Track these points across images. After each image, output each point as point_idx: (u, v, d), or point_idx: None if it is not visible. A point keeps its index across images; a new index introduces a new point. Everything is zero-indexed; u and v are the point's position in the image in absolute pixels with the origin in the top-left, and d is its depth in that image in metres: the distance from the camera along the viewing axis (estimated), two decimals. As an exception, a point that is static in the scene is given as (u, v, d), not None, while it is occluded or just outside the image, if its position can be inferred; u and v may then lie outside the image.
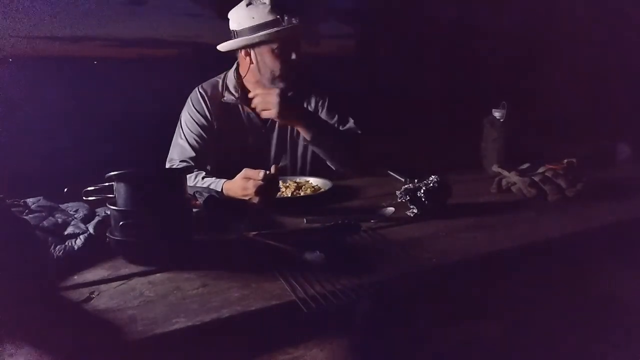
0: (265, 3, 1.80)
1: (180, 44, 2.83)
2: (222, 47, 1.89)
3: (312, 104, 2.02)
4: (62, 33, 2.45)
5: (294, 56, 1.84)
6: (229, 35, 1.89)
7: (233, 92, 1.94)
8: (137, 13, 2.63)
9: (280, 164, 1.97)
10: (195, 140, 1.89)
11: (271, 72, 1.86)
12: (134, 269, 1.18)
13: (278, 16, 1.78)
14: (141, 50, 2.76)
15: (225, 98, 1.94)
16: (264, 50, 1.84)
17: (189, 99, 1.97)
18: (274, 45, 1.82)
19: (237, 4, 1.88)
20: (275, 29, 1.79)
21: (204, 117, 1.92)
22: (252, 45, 1.85)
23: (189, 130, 1.91)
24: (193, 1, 2.71)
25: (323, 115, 2.01)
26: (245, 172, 1.57)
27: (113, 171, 1.22)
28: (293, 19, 1.79)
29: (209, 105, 1.93)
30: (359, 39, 3.30)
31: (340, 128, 1.99)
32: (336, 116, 2.00)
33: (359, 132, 1.98)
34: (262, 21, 1.80)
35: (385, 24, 3.24)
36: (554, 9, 3.48)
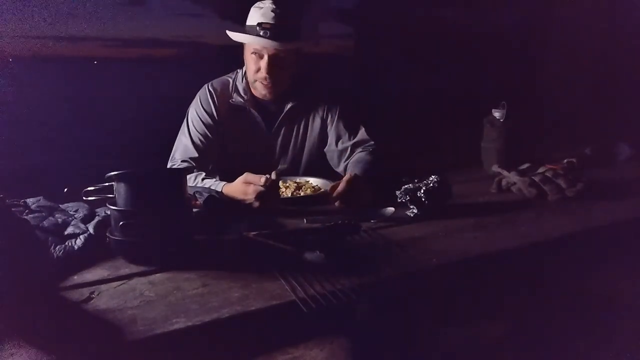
0: (260, 8, 1.82)
1: (180, 44, 2.83)
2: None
3: (320, 114, 2.01)
4: (62, 33, 2.44)
5: (262, 69, 1.83)
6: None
7: (242, 94, 1.94)
8: (137, 13, 2.63)
9: (280, 167, 1.98)
10: (200, 140, 1.89)
11: (250, 74, 1.89)
12: (134, 269, 1.19)
13: (257, 25, 1.78)
14: (141, 50, 2.76)
15: (233, 100, 1.94)
16: (247, 50, 1.87)
17: (197, 96, 1.97)
18: (250, 50, 1.83)
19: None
20: (249, 34, 1.80)
21: (211, 116, 1.92)
22: (239, 43, 1.88)
23: (194, 128, 1.91)
24: (193, 1, 2.71)
25: (332, 126, 2.00)
26: (246, 176, 1.57)
27: (113, 171, 1.22)
28: (271, 34, 1.77)
29: (217, 104, 1.93)
30: (358, 39, 3.30)
31: (352, 139, 1.98)
32: (346, 128, 2.00)
33: (372, 142, 1.98)
34: (248, 23, 1.83)
35: (385, 24, 3.24)
36: (554, 9, 3.48)
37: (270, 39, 1.78)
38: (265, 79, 1.84)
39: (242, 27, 1.87)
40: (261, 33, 1.78)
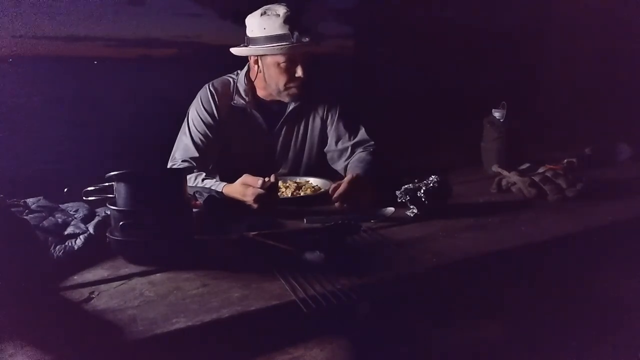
0: (278, 15, 1.78)
1: (180, 44, 2.83)
2: (234, 51, 1.90)
3: (320, 114, 2.01)
4: (62, 33, 2.45)
5: (299, 73, 1.81)
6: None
7: (243, 95, 1.94)
8: (137, 13, 2.63)
9: (280, 171, 1.97)
10: (200, 140, 1.89)
11: (275, 84, 1.87)
12: (134, 269, 1.19)
13: (288, 31, 1.76)
14: (141, 50, 2.76)
15: (235, 101, 1.93)
16: (270, 63, 1.83)
17: (198, 96, 1.96)
18: (280, 60, 1.81)
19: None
20: (283, 44, 1.77)
21: (212, 116, 1.92)
22: (260, 55, 1.85)
23: (194, 128, 1.91)
24: (193, 1, 2.71)
25: (332, 126, 2.00)
26: (245, 178, 1.57)
27: (113, 171, 1.22)
28: (304, 36, 1.76)
29: (218, 104, 1.92)
30: (358, 39, 3.30)
31: (352, 139, 1.98)
32: (347, 128, 1.99)
33: (372, 142, 1.98)
34: (271, 34, 1.79)
35: (385, 24, 3.24)
36: (554, 9, 3.48)
37: (308, 43, 1.77)
38: (302, 80, 1.83)
39: (251, 40, 1.84)
40: (302, 39, 1.76)
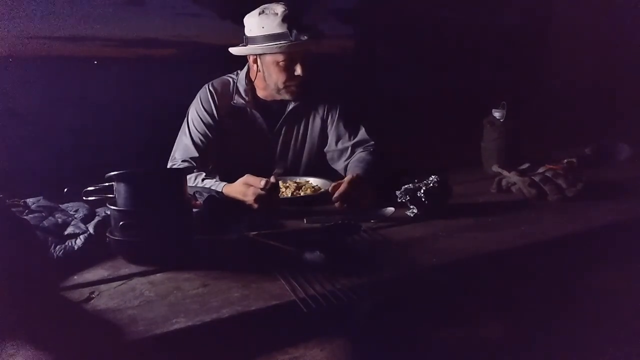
0: (276, 14, 1.78)
1: (180, 44, 2.83)
2: (232, 50, 1.90)
3: (321, 114, 2.01)
4: (62, 33, 2.44)
5: (299, 71, 1.81)
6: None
7: (243, 95, 1.94)
8: (137, 13, 2.63)
9: (276, 171, 1.97)
10: (200, 140, 1.89)
11: (275, 83, 1.86)
12: (134, 269, 1.19)
13: (287, 30, 1.76)
14: (141, 50, 2.76)
15: (235, 101, 1.93)
16: (269, 62, 1.83)
17: (198, 96, 1.97)
18: (279, 58, 1.80)
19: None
20: (282, 42, 1.77)
21: (211, 116, 1.92)
22: (259, 55, 1.85)
23: (194, 128, 1.91)
24: (193, 1, 2.71)
25: (333, 126, 2.00)
26: (247, 178, 1.57)
27: (113, 171, 1.22)
28: (303, 35, 1.76)
29: (217, 104, 1.92)
30: (358, 39, 3.30)
31: (352, 139, 1.98)
32: (347, 128, 1.99)
33: (373, 142, 1.97)
34: (270, 32, 1.78)
35: (386, 24, 3.24)
36: (555, 9, 3.48)
37: (307, 41, 1.77)
38: (302, 79, 1.83)
39: (250, 39, 1.83)
40: (301, 37, 1.76)
